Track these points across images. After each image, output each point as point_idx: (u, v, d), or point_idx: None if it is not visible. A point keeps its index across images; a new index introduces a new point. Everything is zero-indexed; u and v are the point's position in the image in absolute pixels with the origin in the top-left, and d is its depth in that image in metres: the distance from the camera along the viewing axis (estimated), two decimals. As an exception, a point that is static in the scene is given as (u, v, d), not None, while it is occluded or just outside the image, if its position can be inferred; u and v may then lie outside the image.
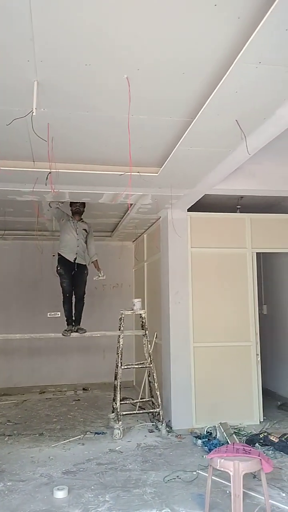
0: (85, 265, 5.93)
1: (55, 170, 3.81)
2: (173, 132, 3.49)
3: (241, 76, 2.52)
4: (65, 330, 5.70)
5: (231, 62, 2.41)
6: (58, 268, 5.81)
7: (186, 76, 2.67)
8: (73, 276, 5.82)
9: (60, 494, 3.62)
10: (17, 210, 5.93)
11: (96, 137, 3.58)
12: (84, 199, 5.19)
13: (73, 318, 5.79)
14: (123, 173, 4.06)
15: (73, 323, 5.76)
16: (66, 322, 5.78)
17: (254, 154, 3.82)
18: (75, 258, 5.78)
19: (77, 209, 5.80)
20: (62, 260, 5.81)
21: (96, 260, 6.05)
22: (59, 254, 5.85)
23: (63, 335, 5.64)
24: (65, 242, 5.83)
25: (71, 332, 5.68)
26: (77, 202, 5.68)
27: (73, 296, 5.83)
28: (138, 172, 4.14)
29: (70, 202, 5.67)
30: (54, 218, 6.14)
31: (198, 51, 2.42)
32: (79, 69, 2.58)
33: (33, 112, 2.79)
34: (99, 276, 6.01)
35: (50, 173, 3.73)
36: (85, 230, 5.94)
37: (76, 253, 5.79)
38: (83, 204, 5.77)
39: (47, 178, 3.84)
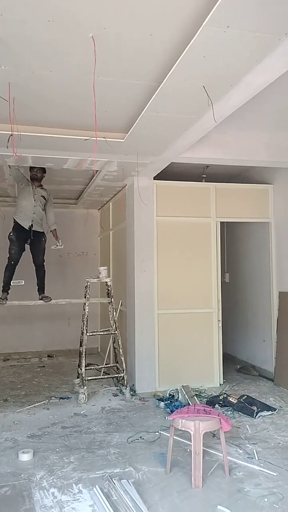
0: (42, 232, 5.81)
1: (17, 133, 3.67)
2: (140, 97, 3.41)
3: (209, 40, 2.47)
4: (0, 298, 5.55)
5: (200, 26, 2.36)
6: (11, 234, 5.67)
7: (153, 38, 2.60)
8: (30, 244, 5.71)
9: (25, 457, 3.69)
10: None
11: (60, 99, 3.45)
12: (48, 164, 5.05)
13: (9, 286, 5.65)
14: (88, 138, 3.97)
15: (8, 291, 5.63)
16: (1, 289, 5.63)
17: (220, 123, 3.83)
18: (31, 225, 5.65)
19: (35, 175, 5.61)
20: (16, 226, 5.67)
21: (55, 229, 5.92)
22: (14, 220, 5.70)
23: None
24: (21, 207, 5.67)
25: (6, 300, 5.56)
26: (36, 168, 5.49)
27: (17, 265, 5.69)
28: (103, 138, 4.06)
29: (30, 167, 5.48)
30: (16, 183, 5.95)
31: (166, 12, 2.35)
32: (42, 26, 2.46)
33: (-7, 70, 2.66)
34: (57, 246, 5.90)
35: (11, 135, 3.59)
36: (43, 197, 5.77)
37: (32, 220, 5.65)
38: (43, 169, 5.59)
39: (8, 140, 3.70)
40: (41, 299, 5.71)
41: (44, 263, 5.84)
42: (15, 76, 3.03)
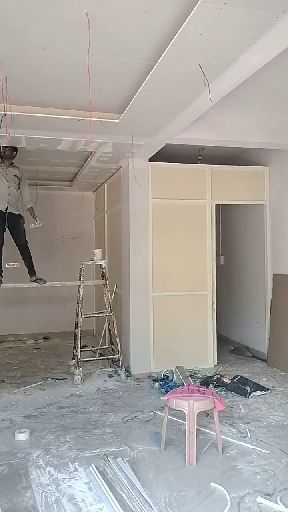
0: (19, 214, 5.72)
1: (10, 113, 3.61)
2: (135, 76, 3.36)
3: (205, 17, 2.43)
4: None
5: (196, 3, 2.31)
6: None
7: (149, 15, 2.54)
8: (9, 227, 5.63)
9: (21, 437, 3.73)
10: None
11: (53, 78, 3.39)
12: (42, 145, 4.99)
13: (2, 269, 5.63)
14: (82, 118, 3.91)
15: (1, 274, 5.62)
16: None
17: (216, 104, 3.77)
18: (7, 208, 5.56)
19: (3, 153, 5.38)
20: None
21: (31, 207, 5.80)
22: None
23: None
24: None
25: (0, 282, 5.56)
26: (8, 146, 5.29)
27: (3, 247, 5.64)
28: (98, 118, 4.00)
29: (1, 146, 5.26)
30: None
31: (162, -13, 2.30)
32: (36, 1, 2.39)
33: (-16, 47, 2.60)
34: (35, 224, 5.82)
35: (4, 115, 3.54)
36: (16, 176, 5.62)
37: (8, 202, 5.54)
38: (13, 147, 5.40)
39: (1, 120, 3.65)
40: (34, 281, 5.69)
41: (28, 244, 5.77)
42: (8, 54, 2.97)
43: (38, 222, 5.82)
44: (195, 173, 6.03)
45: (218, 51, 2.84)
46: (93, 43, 2.77)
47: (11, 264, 5.76)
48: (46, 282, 5.69)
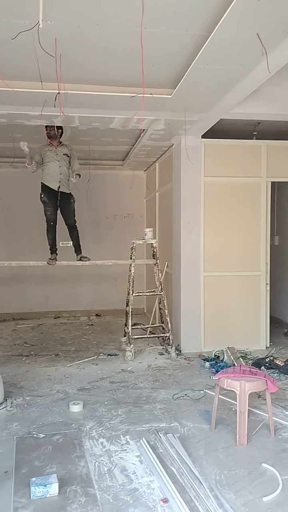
0: (70, 193, 5.79)
1: (64, 91, 3.64)
2: (189, 49, 3.26)
3: (265, -20, 2.29)
4: (49, 258, 5.72)
5: None
6: (42, 196, 5.71)
7: (204, -18, 2.44)
8: (59, 206, 5.74)
9: (75, 408, 3.88)
10: (26, 136, 5.76)
11: (106, 54, 3.36)
12: (95, 124, 5.00)
13: (56, 247, 5.79)
14: (135, 94, 3.87)
15: (56, 252, 5.78)
16: (49, 251, 5.78)
17: (274, 75, 3.57)
18: (59, 187, 5.64)
19: (48, 133, 5.49)
20: (45, 187, 5.68)
21: (79, 174, 5.71)
22: (42, 184, 5.70)
23: (48, 263, 5.69)
24: (47, 171, 5.65)
25: (55, 261, 5.71)
26: (52, 126, 5.35)
27: (57, 225, 5.79)
28: (150, 94, 3.94)
29: (45, 126, 5.36)
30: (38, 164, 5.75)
31: None
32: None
33: (39, 24, 2.61)
34: (74, 179, 5.70)
35: (58, 93, 3.56)
36: (66, 155, 5.69)
37: (59, 181, 5.63)
38: (58, 126, 5.43)
39: (55, 99, 3.68)
40: (79, 259, 5.82)
41: (76, 224, 5.88)
42: (62, 31, 2.96)
43: (75, 178, 5.72)
44: (250, 150, 5.82)
45: (277, 18, 2.68)
46: (146, 15, 2.70)
47: (65, 243, 5.91)
48: (89, 259, 5.79)
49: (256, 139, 5.98)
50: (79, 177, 5.73)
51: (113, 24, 2.90)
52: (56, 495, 2.60)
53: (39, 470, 2.89)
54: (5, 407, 3.94)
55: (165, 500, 2.55)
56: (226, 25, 2.75)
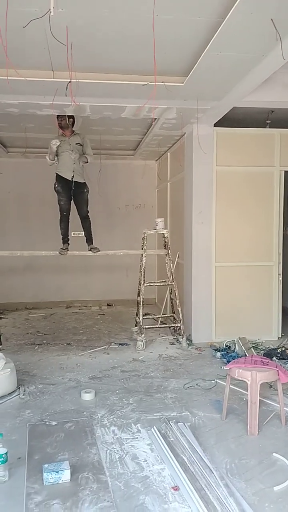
0: (84, 183, 5.78)
1: (75, 80, 3.62)
2: (201, 35, 3.21)
3: None
4: (61, 248, 5.74)
5: None
6: (56, 186, 5.71)
7: None
8: (73, 196, 5.74)
9: (87, 396, 3.92)
10: (38, 126, 5.77)
11: (118, 42, 3.33)
12: (106, 113, 4.97)
13: (68, 237, 5.81)
14: (146, 83, 3.83)
15: (68, 242, 5.80)
16: (62, 241, 5.80)
17: (288, 61, 3.52)
18: (73, 176, 5.62)
19: (60, 123, 5.46)
20: (59, 178, 5.68)
21: (88, 159, 5.68)
22: (57, 174, 5.69)
23: (59, 253, 5.70)
24: (61, 161, 5.63)
25: (67, 250, 5.73)
26: (63, 116, 5.34)
27: (70, 215, 5.80)
28: (162, 82, 3.90)
29: (57, 116, 5.33)
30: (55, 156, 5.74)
31: None
32: None
33: (51, 12, 2.59)
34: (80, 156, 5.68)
35: (70, 82, 3.55)
36: (78, 144, 5.66)
37: (73, 171, 5.62)
38: (69, 116, 5.40)
39: (67, 88, 3.66)
40: (90, 250, 5.83)
41: (89, 214, 5.87)
42: (73, 19, 2.93)
43: (85, 159, 5.66)
44: (263, 138, 5.74)
45: (293, 1, 2.62)
46: (158, 1, 2.66)
47: (76, 232, 5.92)
48: (99, 250, 5.79)
49: (270, 127, 5.89)
50: (86, 162, 5.70)
51: (124, 11, 2.87)
52: (68, 482, 2.64)
53: (52, 457, 2.93)
54: (18, 394, 3.99)
55: (176, 488, 2.57)
56: (239, 11, 2.71)
